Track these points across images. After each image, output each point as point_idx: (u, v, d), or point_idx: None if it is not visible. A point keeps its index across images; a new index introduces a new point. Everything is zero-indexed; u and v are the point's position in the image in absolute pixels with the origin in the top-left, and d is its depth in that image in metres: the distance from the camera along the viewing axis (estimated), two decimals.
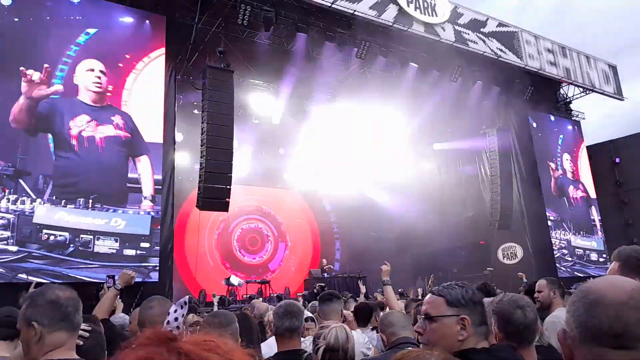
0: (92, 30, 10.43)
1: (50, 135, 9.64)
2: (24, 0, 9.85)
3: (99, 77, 10.29)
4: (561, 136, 18.76)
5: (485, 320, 1.82)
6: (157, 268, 10.21)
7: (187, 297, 2.04)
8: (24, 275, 8.85)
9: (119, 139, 10.32)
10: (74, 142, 9.78)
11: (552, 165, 17.84)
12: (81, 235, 9.56)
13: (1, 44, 9.40)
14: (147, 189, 10.46)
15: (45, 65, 9.75)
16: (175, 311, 1.89)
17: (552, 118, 18.78)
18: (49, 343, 1.76)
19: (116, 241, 9.90)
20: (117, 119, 10.38)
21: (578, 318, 1.03)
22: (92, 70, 10.27)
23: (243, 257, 20.28)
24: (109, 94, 10.44)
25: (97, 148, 10.00)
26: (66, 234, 9.42)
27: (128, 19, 11.04)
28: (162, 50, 11.12)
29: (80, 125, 9.89)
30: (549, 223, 16.96)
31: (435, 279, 14.11)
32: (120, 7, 10.88)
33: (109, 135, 10.19)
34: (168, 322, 1.87)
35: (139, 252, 10.12)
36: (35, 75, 9.57)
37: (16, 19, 9.67)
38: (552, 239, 16.80)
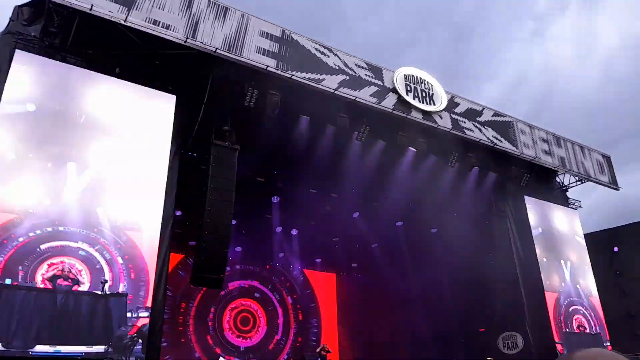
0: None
1: None
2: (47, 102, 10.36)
3: None
4: (558, 223, 18.82)
5: None
6: (146, 346, 9.83)
7: None
8: None
9: None
10: None
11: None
12: None
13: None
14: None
15: None
16: None
17: (549, 205, 18.93)
18: None
19: None
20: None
21: None
22: None
23: (234, 338, 19.60)
24: None
25: None
26: None
27: (140, 97, 11.48)
28: (170, 125, 11.48)
29: None
30: (550, 311, 16.55)
31: None
32: (132, 85, 11.37)
33: None
34: None
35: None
36: None
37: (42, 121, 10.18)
38: (553, 330, 16.31)
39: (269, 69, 11.96)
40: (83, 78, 10.86)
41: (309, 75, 12.62)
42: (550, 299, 16.81)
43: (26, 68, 10.21)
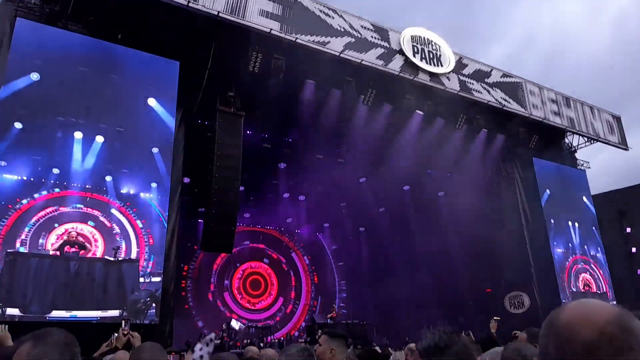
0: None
1: None
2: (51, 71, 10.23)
3: None
4: (566, 184, 18.75)
5: None
6: (159, 310, 10.07)
7: (213, 334, 2.03)
8: None
9: None
10: None
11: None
12: None
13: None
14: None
15: None
16: (201, 349, 1.89)
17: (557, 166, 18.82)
18: None
19: None
20: None
21: (547, 358, 0.93)
22: None
23: (244, 300, 19.99)
24: None
25: None
26: None
27: (143, 63, 11.36)
28: (174, 93, 11.39)
29: None
30: (556, 271, 16.71)
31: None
32: (136, 51, 11.23)
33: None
34: None
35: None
36: None
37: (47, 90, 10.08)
38: (559, 289, 16.51)
39: (272, 32, 11.74)
40: (85, 45, 10.72)
41: (313, 38, 12.40)
42: (557, 259, 16.95)
43: (28, 37, 10.10)
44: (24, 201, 9.30)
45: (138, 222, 10.33)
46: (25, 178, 9.46)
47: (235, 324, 14.49)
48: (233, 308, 19.22)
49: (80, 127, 10.20)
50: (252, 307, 19.89)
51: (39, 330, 1.83)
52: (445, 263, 18.55)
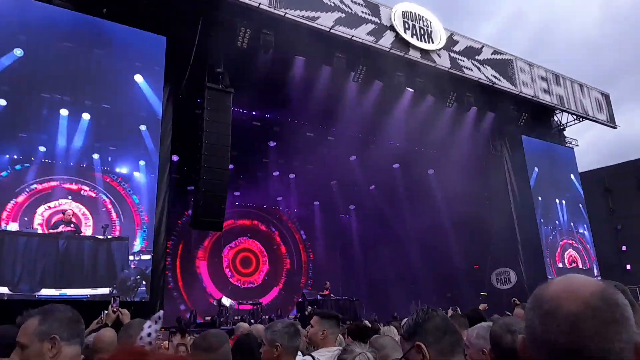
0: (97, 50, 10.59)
1: None
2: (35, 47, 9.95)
3: None
4: (554, 162, 18.89)
5: (442, 337, 1.73)
6: (149, 287, 10.09)
7: (161, 312, 2.05)
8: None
9: None
10: None
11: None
12: None
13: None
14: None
15: None
16: (150, 326, 1.90)
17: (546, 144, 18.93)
18: (65, 356, 1.78)
19: None
20: None
21: (533, 331, 0.92)
22: None
23: (234, 278, 20.08)
24: None
25: None
26: None
27: (130, 39, 11.11)
28: (162, 69, 11.19)
29: None
30: (543, 247, 16.97)
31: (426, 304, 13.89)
32: (121, 26, 10.97)
33: None
34: (141, 338, 1.88)
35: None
36: None
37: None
38: (545, 265, 16.79)
39: (261, 6, 11.53)
40: (70, 20, 10.44)
41: (303, 12, 12.20)
42: (544, 236, 17.19)
43: (11, 11, 9.81)
44: (3, 174, 9.17)
45: (134, 197, 10.30)
46: (8, 156, 9.32)
47: (226, 301, 14.57)
48: (222, 286, 19.30)
49: (66, 104, 10.01)
50: (243, 285, 20.00)
51: (46, 306, 1.87)
52: (434, 240, 18.74)
